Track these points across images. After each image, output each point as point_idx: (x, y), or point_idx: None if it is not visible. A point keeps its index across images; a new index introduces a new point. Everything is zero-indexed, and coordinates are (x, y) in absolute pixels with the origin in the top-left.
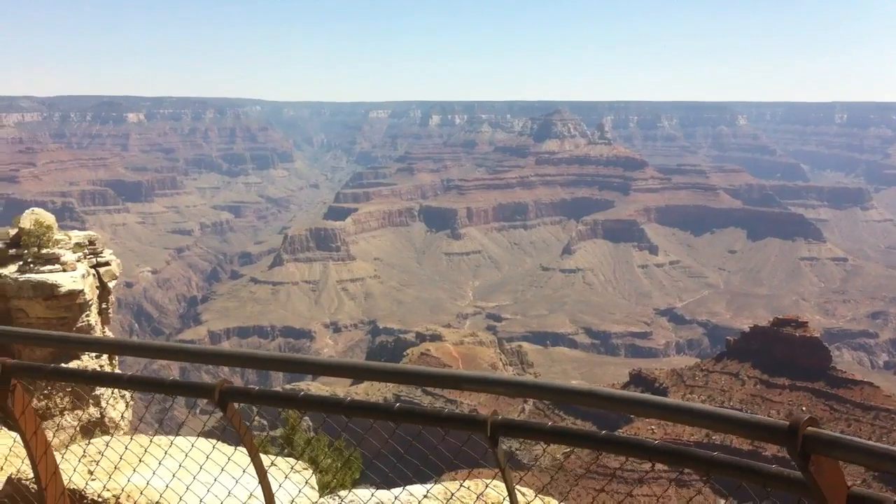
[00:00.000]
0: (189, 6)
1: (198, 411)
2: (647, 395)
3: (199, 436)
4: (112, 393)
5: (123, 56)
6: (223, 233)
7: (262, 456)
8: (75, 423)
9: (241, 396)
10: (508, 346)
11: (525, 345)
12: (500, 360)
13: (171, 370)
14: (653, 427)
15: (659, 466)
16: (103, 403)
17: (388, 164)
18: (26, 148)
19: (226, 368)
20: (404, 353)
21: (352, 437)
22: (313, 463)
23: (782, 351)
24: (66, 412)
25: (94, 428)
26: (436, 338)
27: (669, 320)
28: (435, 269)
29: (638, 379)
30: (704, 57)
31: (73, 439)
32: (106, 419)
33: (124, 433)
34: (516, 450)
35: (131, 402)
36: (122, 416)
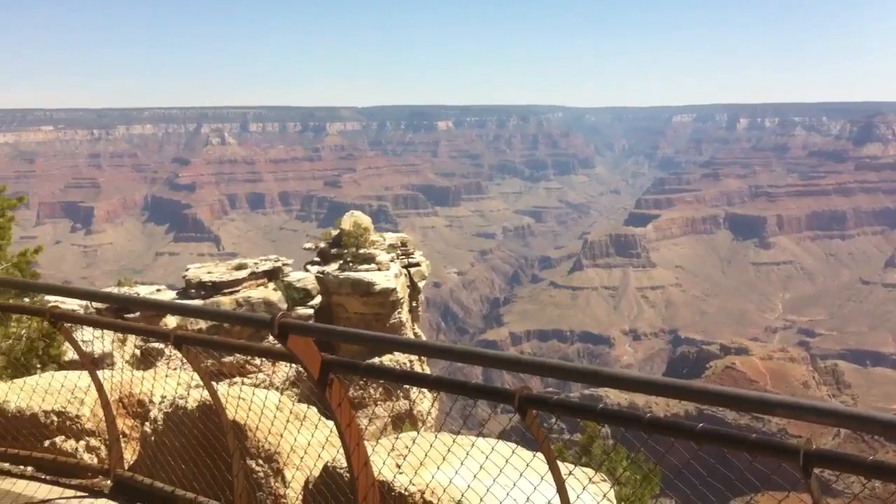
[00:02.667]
0: (494, 22)
1: (500, 411)
2: None
3: (498, 438)
4: (420, 389)
5: (433, 68)
6: (524, 237)
7: (560, 464)
8: (387, 414)
9: (539, 404)
10: (822, 364)
11: (841, 363)
12: (814, 378)
13: (475, 368)
14: None
15: None
16: (412, 397)
17: (691, 170)
18: (347, 155)
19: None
20: (707, 366)
21: (651, 453)
22: (611, 474)
23: None
24: (379, 402)
25: (405, 418)
26: (741, 351)
27: None
28: (741, 280)
29: None
30: None
31: (385, 428)
32: (414, 412)
33: (430, 426)
34: (830, 479)
35: (436, 399)
36: (428, 411)
